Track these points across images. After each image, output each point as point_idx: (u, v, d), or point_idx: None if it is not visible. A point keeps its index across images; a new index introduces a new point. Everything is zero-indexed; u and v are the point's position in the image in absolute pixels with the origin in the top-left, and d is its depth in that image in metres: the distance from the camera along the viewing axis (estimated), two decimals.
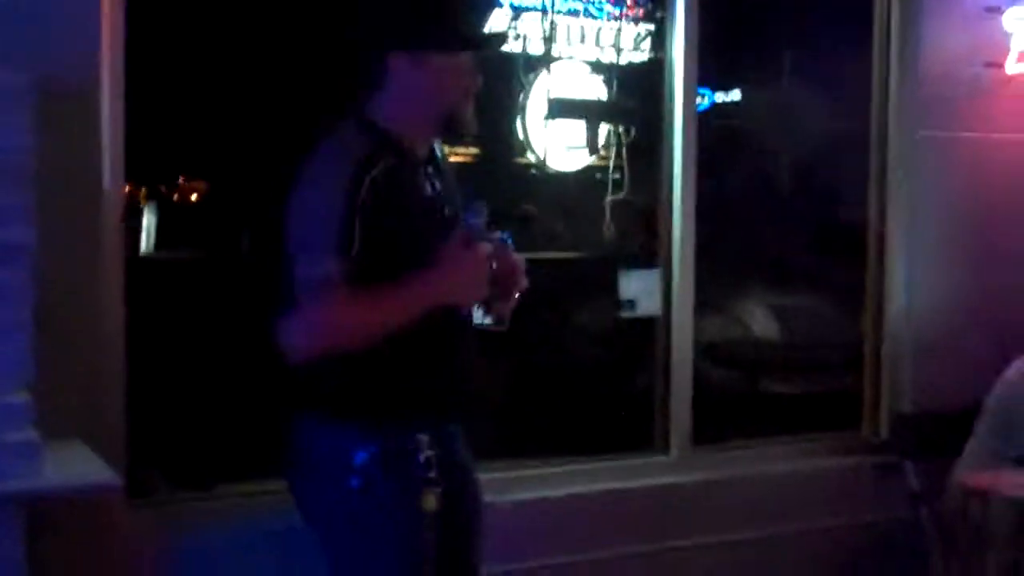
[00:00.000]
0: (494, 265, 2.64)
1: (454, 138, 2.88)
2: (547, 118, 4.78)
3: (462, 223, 2.66)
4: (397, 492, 2.66)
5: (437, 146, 2.83)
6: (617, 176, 4.95)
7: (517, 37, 4.74)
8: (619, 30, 4.93)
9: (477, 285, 2.61)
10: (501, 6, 4.79)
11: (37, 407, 3.11)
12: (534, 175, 5.07)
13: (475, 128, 2.79)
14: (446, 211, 2.76)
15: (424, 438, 2.68)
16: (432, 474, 2.67)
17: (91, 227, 3.64)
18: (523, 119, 4.84)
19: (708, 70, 5.01)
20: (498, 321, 2.83)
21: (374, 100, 2.68)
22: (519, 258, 2.79)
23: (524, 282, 2.80)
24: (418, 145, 2.72)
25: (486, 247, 2.62)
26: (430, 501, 2.67)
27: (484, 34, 2.91)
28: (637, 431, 4.89)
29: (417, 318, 2.54)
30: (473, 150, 4.88)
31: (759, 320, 6.27)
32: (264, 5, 6.60)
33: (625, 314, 4.85)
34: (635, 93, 4.96)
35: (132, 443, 3.78)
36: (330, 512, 2.72)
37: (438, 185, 2.75)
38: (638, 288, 4.85)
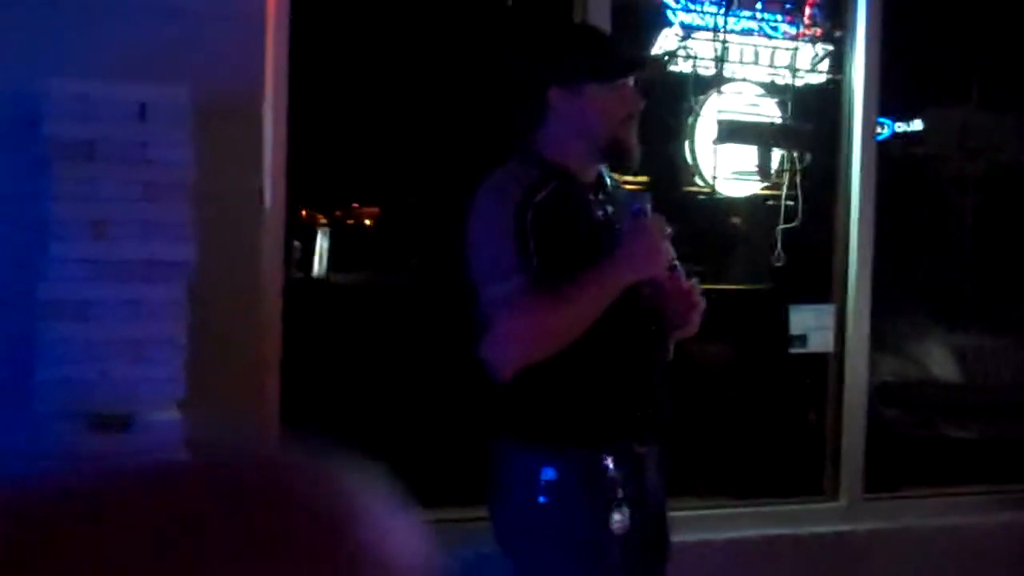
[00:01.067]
0: (668, 230, 2.64)
1: (617, 165, 2.83)
2: (717, 142, 4.61)
3: (629, 211, 2.65)
4: (583, 511, 2.66)
5: (606, 174, 2.81)
6: (790, 204, 4.74)
7: (687, 57, 4.60)
8: (795, 50, 4.73)
9: (654, 254, 2.60)
10: (672, 25, 4.66)
11: (190, 426, 3.10)
12: (703, 202, 4.90)
13: (637, 155, 2.74)
14: (617, 235, 2.74)
15: (610, 458, 2.67)
16: (619, 494, 2.66)
17: (251, 246, 3.64)
18: (692, 143, 4.68)
19: (889, 97, 4.77)
20: (665, 351, 2.82)
21: (539, 133, 2.73)
22: (692, 283, 2.75)
23: (699, 305, 2.75)
24: (584, 173, 2.73)
25: (657, 220, 2.62)
26: (616, 521, 2.65)
27: (635, 58, 2.86)
28: (805, 475, 4.68)
29: (605, 306, 2.54)
30: (641, 177, 4.74)
31: (938, 360, 5.98)
32: (436, 41, 6.71)
33: (795, 350, 4.64)
34: (811, 117, 4.74)
35: None
36: (519, 531, 2.74)
37: (609, 210, 2.75)
38: (810, 323, 4.65)
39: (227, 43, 3.53)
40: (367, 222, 12.26)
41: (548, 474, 2.63)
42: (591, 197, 2.73)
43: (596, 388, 2.66)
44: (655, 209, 2.69)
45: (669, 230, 2.67)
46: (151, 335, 3.10)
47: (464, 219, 2.69)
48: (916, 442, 5.53)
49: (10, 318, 3.23)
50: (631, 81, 2.73)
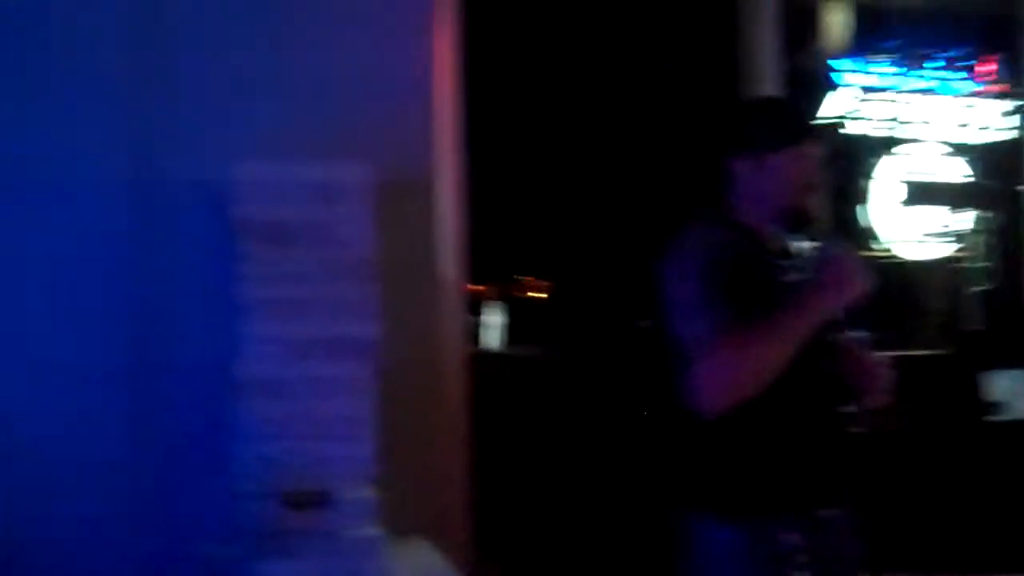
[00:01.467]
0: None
1: (796, 230, 2.81)
2: (904, 203, 4.47)
3: (823, 251, 2.66)
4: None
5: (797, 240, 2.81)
6: (979, 266, 4.56)
7: (863, 119, 4.51)
8: (977, 107, 4.58)
9: (852, 275, 2.58)
10: (844, 87, 4.58)
11: (381, 502, 3.14)
12: (882, 265, 4.77)
13: (812, 220, 2.72)
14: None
15: (789, 522, 2.61)
16: (800, 560, 2.60)
17: (431, 319, 3.68)
18: (869, 206, 4.56)
19: None
20: (858, 421, 2.75)
21: (727, 200, 2.79)
22: (880, 356, 2.71)
23: (886, 379, 2.71)
24: (772, 239, 2.75)
25: (848, 249, 2.63)
26: None
27: (808, 126, 2.86)
28: (1008, 549, 4.43)
29: (807, 334, 2.54)
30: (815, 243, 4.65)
31: None
32: (609, 114, 6.75)
33: (992, 418, 4.44)
34: (998, 175, 4.57)
35: (480, 542, 3.75)
36: None
37: (797, 276, 2.72)
38: (1007, 389, 4.45)
39: (401, 118, 3.62)
40: (541, 295, 12.36)
41: (725, 540, 2.61)
42: (781, 262, 2.72)
43: (773, 454, 2.62)
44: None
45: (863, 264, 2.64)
46: (343, 412, 3.15)
47: (650, 282, 2.72)
48: None
49: (207, 397, 3.36)
50: (814, 149, 2.73)
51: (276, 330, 3.16)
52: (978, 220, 4.56)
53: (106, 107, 3.49)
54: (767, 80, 4.20)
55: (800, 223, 2.76)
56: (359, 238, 3.23)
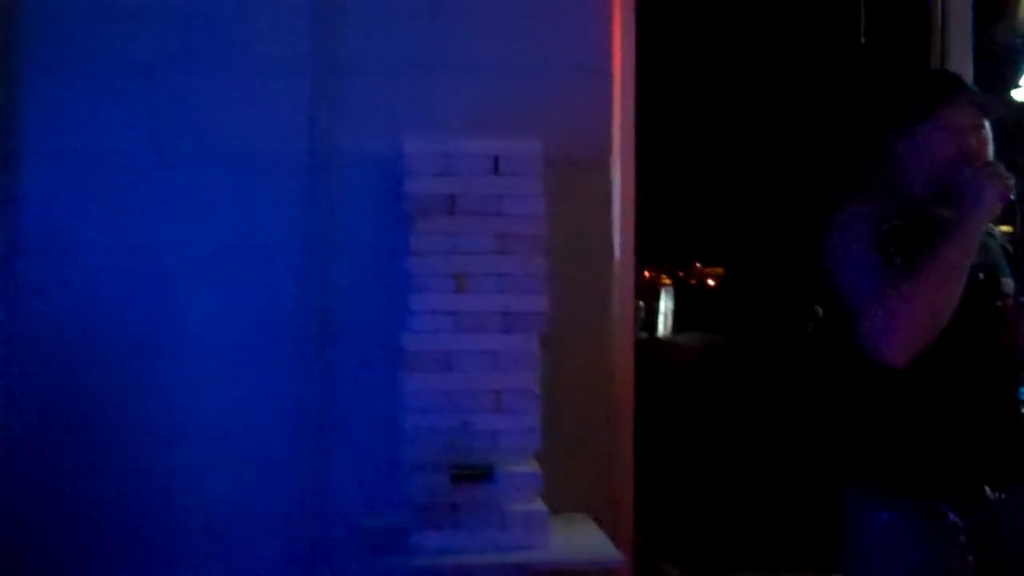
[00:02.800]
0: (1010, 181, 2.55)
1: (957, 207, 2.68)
2: None
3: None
4: (920, 557, 2.55)
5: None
6: None
7: None
8: None
9: (995, 177, 2.54)
10: None
11: (544, 478, 3.11)
12: None
13: (986, 196, 2.57)
14: (980, 276, 2.63)
15: (951, 503, 2.55)
16: (963, 540, 2.53)
17: (602, 299, 3.64)
18: None
19: None
20: None
21: (893, 174, 2.75)
22: None
23: None
24: (940, 211, 2.63)
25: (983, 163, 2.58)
26: (959, 568, 2.52)
27: (962, 95, 2.73)
28: None
29: (968, 256, 2.51)
30: (1005, 227, 4.42)
31: None
32: (785, 97, 6.59)
33: None
34: None
35: (641, 525, 3.69)
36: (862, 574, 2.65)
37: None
38: None
39: (575, 96, 3.59)
40: (710, 282, 12.19)
41: (883, 519, 2.58)
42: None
43: (942, 429, 2.57)
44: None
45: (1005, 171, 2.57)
46: (508, 386, 3.13)
47: (820, 247, 2.67)
48: None
49: (377, 370, 3.37)
50: (965, 119, 2.66)
51: (445, 303, 3.15)
52: None
53: (282, 85, 3.54)
54: (962, 51, 3.99)
55: (955, 200, 2.63)
56: (530, 213, 3.20)
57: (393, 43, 3.58)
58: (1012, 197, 2.56)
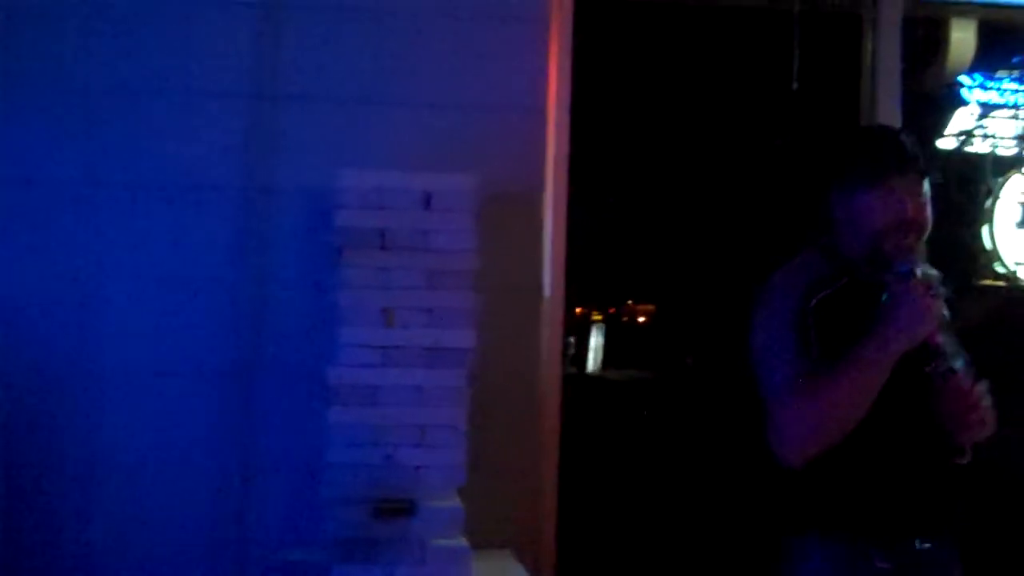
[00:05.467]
0: (940, 289, 2.54)
1: (881, 268, 2.70)
2: (1022, 225, 4.32)
3: (895, 272, 2.55)
4: None
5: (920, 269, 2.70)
6: None
7: (985, 137, 4.36)
8: None
9: (921, 312, 2.50)
10: (967, 104, 4.44)
11: (467, 513, 3.10)
12: (1002, 291, 4.59)
13: (914, 258, 2.61)
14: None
15: (879, 550, 2.57)
16: None
17: (531, 334, 3.65)
18: (991, 227, 4.41)
19: None
20: (959, 453, 2.64)
21: (832, 231, 2.73)
22: (976, 386, 2.58)
23: (983, 411, 2.59)
24: (870, 272, 2.64)
25: (922, 281, 2.52)
26: None
27: (909, 162, 2.75)
28: None
29: (881, 377, 2.49)
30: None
31: None
32: (716, 137, 6.68)
33: None
34: None
35: (563, 561, 3.69)
36: None
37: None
38: None
39: (510, 133, 3.61)
40: (641, 319, 12.27)
41: (813, 562, 2.59)
42: (881, 296, 2.59)
43: (870, 478, 2.58)
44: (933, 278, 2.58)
45: (942, 289, 2.56)
46: (434, 421, 3.12)
47: (746, 312, 2.67)
48: None
49: (303, 403, 3.34)
50: (909, 185, 2.62)
51: (373, 337, 3.14)
52: None
53: (218, 114, 3.52)
54: (890, 98, 4.08)
55: (879, 267, 2.66)
56: (460, 248, 3.20)
57: (330, 75, 3.58)
58: (942, 321, 2.54)
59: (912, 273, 2.53)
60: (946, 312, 2.56)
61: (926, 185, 2.66)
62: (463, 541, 3.07)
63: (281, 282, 3.48)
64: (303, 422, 3.33)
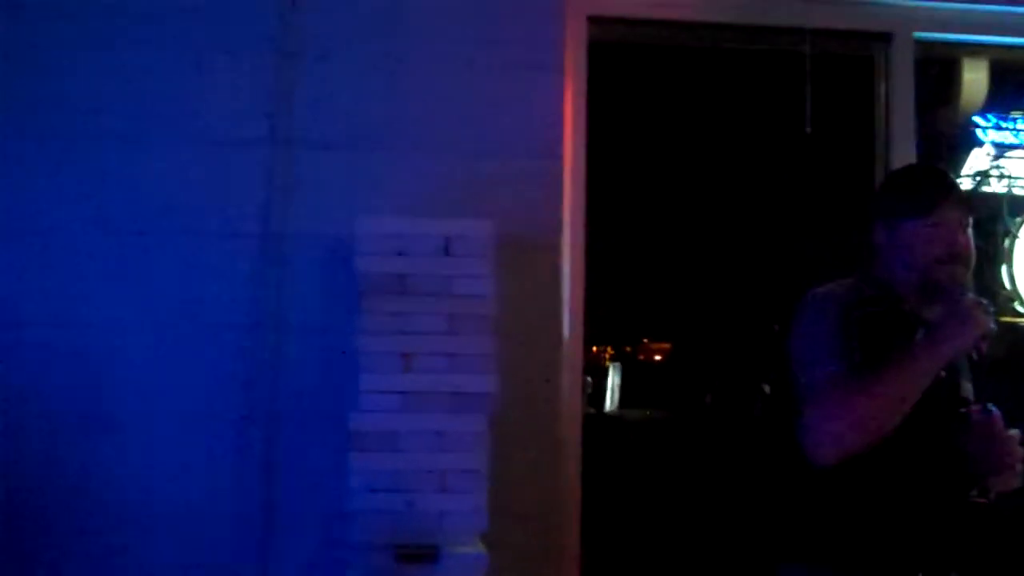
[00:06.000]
0: (988, 308, 2.56)
1: (934, 300, 2.72)
2: None
3: (945, 294, 2.61)
4: None
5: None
6: None
7: (1001, 177, 4.37)
8: None
9: (968, 321, 2.53)
10: (982, 144, 4.45)
11: (490, 558, 3.10)
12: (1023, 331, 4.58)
13: (964, 291, 2.63)
14: (942, 374, 2.63)
15: None
16: None
17: (551, 378, 3.65)
18: (1010, 267, 4.41)
19: None
20: (984, 494, 2.66)
21: (875, 262, 2.79)
22: (1012, 433, 2.63)
23: (1017, 454, 2.63)
24: (918, 307, 2.69)
25: (973, 297, 2.57)
26: None
27: (949, 195, 2.77)
28: None
29: (922, 384, 2.51)
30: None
31: None
32: (732, 177, 6.71)
33: None
34: None
35: None
36: None
37: None
38: None
39: (526, 179, 3.63)
40: (657, 357, 12.27)
41: None
42: (921, 330, 2.63)
43: (878, 515, 2.59)
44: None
45: (990, 308, 2.58)
46: (455, 466, 3.12)
47: (781, 330, 2.71)
48: None
49: (323, 448, 3.35)
50: (952, 217, 2.68)
51: (393, 382, 3.15)
52: None
53: (235, 159, 3.55)
54: (904, 139, 4.10)
55: (932, 297, 2.68)
56: (480, 293, 3.22)
57: (348, 120, 3.61)
58: (990, 334, 2.56)
59: (962, 291, 2.58)
60: (993, 324, 2.57)
61: (970, 219, 2.71)
62: None
63: (300, 328, 3.49)
64: (324, 468, 3.33)
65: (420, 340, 3.16)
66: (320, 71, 3.61)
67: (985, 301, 2.60)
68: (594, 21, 3.95)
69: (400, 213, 3.34)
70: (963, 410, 2.62)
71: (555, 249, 3.67)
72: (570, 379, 3.77)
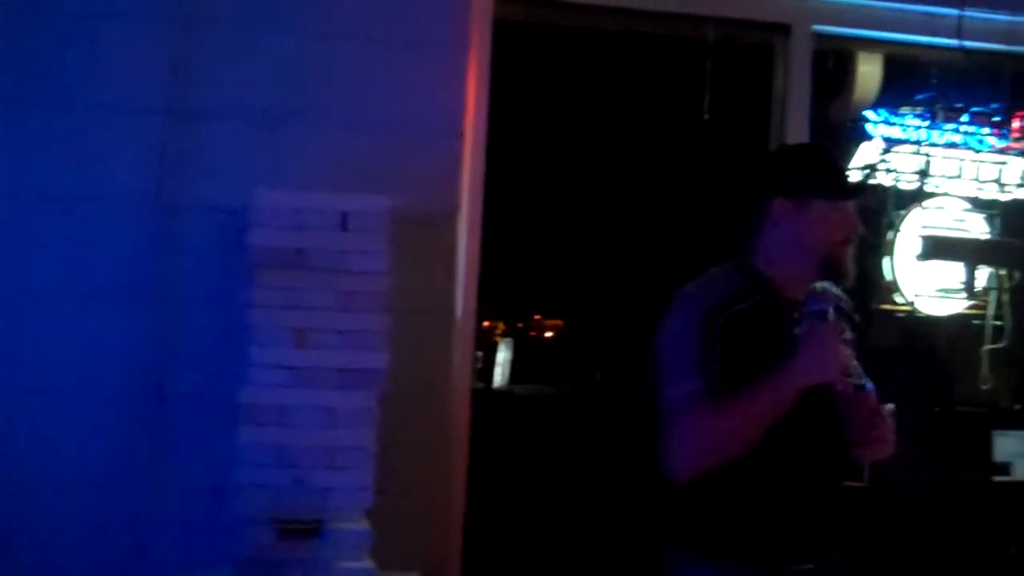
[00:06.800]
0: (847, 335, 2.59)
1: (829, 280, 2.76)
2: (919, 258, 4.45)
3: (808, 311, 2.60)
4: None
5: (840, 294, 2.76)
6: (997, 323, 4.52)
7: (888, 171, 4.48)
8: (1003, 164, 4.56)
9: (828, 357, 2.54)
10: (871, 138, 4.56)
11: (375, 535, 3.10)
12: (902, 320, 4.73)
13: (852, 276, 2.68)
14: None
15: (763, 570, 2.60)
16: None
17: (442, 355, 3.64)
18: (892, 258, 4.53)
19: None
20: (856, 474, 2.69)
21: (754, 243, 2.74)
22: (883, 407, 2.64)
23: (885, 430, 2.65)
24: (792, 289, 2.69)
25: (836, 324, 2.58)
26: None
27: (863, 183, 2.82)
28: None
29: (779, 411, 2.51)
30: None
31: None
32: (628, 155, 6.76)
33: (998, 478, 4.39)
34: (1020, 233, 4.54)
35: None
36: None
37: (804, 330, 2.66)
38: (1015, 450, 4.41)
39: (426, 156, 3.61)
40: (549, 334, 12.32)
41: None
42: (794, 315, 2.66)
43: (751, 502, 2.61)
44: (845, 313, 2.66)
45: (848, 335, 2.62)
46: (344, 442, 3.11)
47: (655, 324, 2.68)
48: None
49: (213, 421, 3.31)
50: (851, 205, 2.69)
51: (284, 357, 3.12)
52: (997, 278, 4.52)
53: (131, 128, 3.48)
54: (799, 128, 4.19)
55: (834, 276, 2.71)
56: (374, 270, 3.20)
57: (246, 92, 3.55)
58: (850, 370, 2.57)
59: (825, 314, 2.57)
60: (852, 355, 2.59)
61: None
62: (370, 563, 3.07)
63: (190, 300, 3.44)
64: (213, 441, 3.28)
65: (313, 315, 3.14)
66: (218, 42, 3.55)
67: (846, 312, 2.64)
68: (500, 0, 3.94)
69: (297, 187, 3.30)
70: (837, 387, 2.59)
71: (451, 226, 3.67)
72: (461, 355, 3.78)
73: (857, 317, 2.74)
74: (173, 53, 3.51)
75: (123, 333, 3.42)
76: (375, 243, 3.21)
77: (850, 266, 2.65)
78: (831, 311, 2.59)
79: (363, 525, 3.10)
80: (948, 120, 4.58)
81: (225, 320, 3.29)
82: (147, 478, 3.38)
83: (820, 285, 2.67)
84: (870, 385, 2.63)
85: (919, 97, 4.63)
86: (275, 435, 3.08)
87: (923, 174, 4.50)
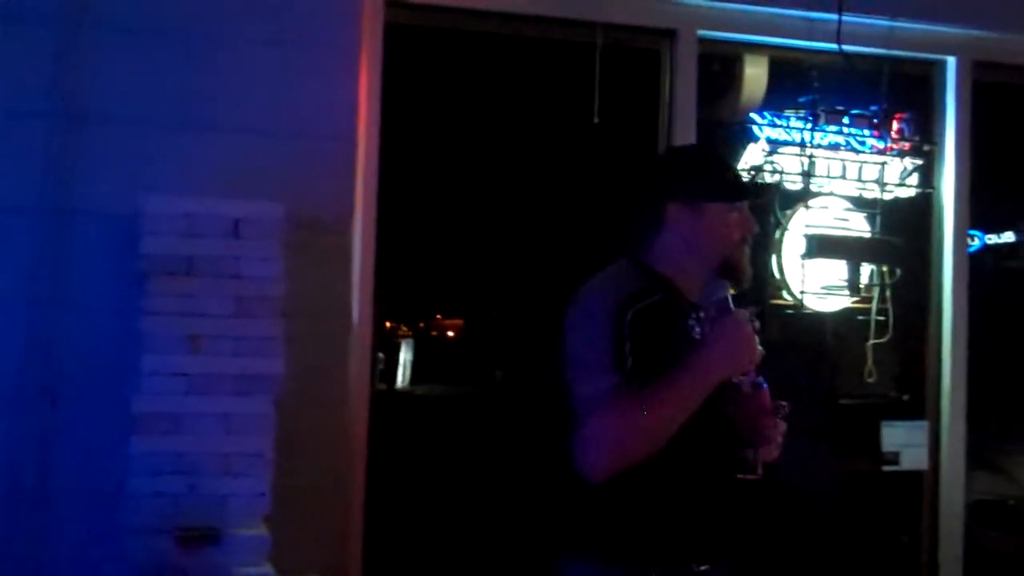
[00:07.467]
0: (755, 323, 2.61)
1: (726, 282, 2.81)
2: (805, 257, 4.58)
3: (711, 302, 2.63)
4: None
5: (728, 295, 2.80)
6: (881, 319, 4.67)
7: (774, 172, 4.60)
8: (883, 164, 4.71)
9: (743, 344, 2.57)
10: (757, 140, 4.67)
11: (273, 541, 3.10)
12: (790, 316, 4.85)
13: (748, 277, 2.74)
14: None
15: (658, 573, 2.60)
16: None
17: (339, 359, 3.66)
18: (779, 257, 4.65)
19: (980, 210, 4.74)
20: (750, 469, 2.70)
21: (649, 245, 2.76)
22: (776, 402, 2.67)
23: (779, 427, 2.69)
24: (690, 290, 2.73)
25: (742, 312, 2.59)
26: None
27: (756, 185, 2.88)
28: None
29: (696, 403, 2.53)
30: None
31: None
32: (523, 158, 6.84)
33: (888, 468, 4.54)
34: (900, 231, 4.70)
35: None
36: None
37: (706, 331, 2.69)
38: (902, 440, 4.56)
39: (319, 160, 3.62)
40: (450, 334, 12.37)
41: None
42: (693, 316, 2.70)
43: (650, 505, 2.61)
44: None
45: (756, 323, 2.63)
46: (240, 449, 3.11)
47: (558, 323, 2.67)
48: (1013, 562, 5.31)
49: (104, 428, 3.28)
50: (746, 206, 2.74)
51: (178, 364, 3.11)
52: (881, 275, 4.66)
53: (18, 135, 3.42)
54: (686, 131, 4.28)
55: (731, 277, 2.75)
56: (268, 275, 3.20)
57: (136, 96, 3.52)
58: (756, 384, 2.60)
59: (728, 301, 2.59)
60: (760, 346, 2.60)
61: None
62: (269, 569, 3.07)
63: (81, 306, 3.40)
64: (104, 449, 3.25)
65: (207, 322, 3.13)
66: (110, 43, 3.51)
67: (754, 318, 2.63)
68: (391, 4, 3.97)
69: (189, 192, 3.29)
70: (735, 380, 2.62)
71: (346, 231, 3.68)
72: (359, 358, 3.79)
73: (757, 310, 2.77)
74: (59, 56, 3.46)
75: (13, 337, 3.36)
76: (268, 249, 3.22)
77: (747, 266, 2.71)
78: (730, 299, 2.60)
79: (262, 531, 3.10)
80: (830, 122, 4.70)
81: (120, 327, 3.24)
82: (36, 487, 3.34)
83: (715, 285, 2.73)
84: (765, 384, 2.65)
85: (802, 100, 4.75)
86: (171, 443, 3.06)
87: (807, 175, 4.63)
